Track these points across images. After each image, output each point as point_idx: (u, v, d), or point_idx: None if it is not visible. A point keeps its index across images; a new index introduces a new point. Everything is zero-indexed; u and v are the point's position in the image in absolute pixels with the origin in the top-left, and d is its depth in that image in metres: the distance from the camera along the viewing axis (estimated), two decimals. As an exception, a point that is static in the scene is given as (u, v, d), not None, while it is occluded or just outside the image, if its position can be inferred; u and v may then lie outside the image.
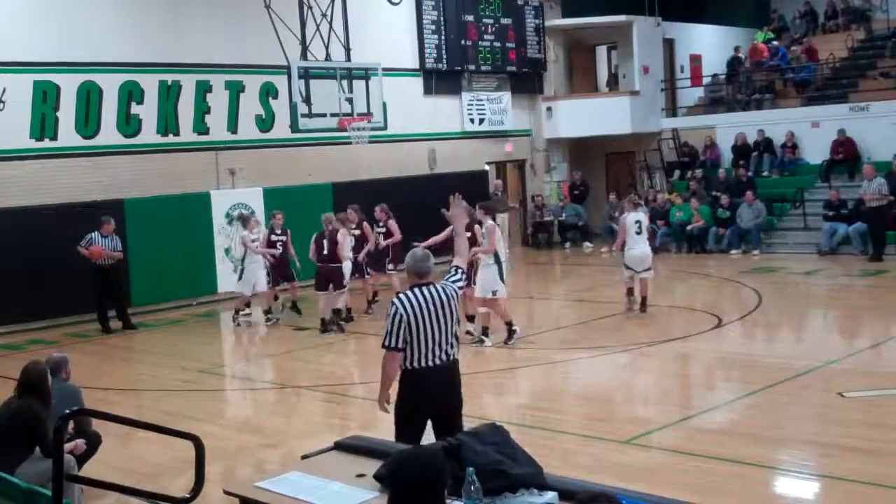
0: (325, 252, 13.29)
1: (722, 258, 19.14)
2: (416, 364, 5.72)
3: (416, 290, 5.76)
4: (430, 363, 5.73)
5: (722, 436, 7.97)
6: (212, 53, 16.97)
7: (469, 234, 11.40)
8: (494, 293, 11.68)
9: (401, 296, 5.80)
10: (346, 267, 13.55)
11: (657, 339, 11.88)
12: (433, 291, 5.77)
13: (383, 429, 6.33)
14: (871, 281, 15.89)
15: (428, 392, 5.76)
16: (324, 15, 15.46)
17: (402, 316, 5.65)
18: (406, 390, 5.79)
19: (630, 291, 13.54)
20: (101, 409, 4.85)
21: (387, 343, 5.71)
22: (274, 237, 14.43)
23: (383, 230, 14.62)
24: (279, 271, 14.52)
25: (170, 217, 15.50)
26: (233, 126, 17.57)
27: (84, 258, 14.04)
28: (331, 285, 13.23)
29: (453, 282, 5.97)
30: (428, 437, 5.82)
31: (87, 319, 15.00)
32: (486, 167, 22.18)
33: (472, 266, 11.75)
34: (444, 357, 5.77)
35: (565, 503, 4.10)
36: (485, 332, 11.94)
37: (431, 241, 11.67)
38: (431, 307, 5.71)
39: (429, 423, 5.88)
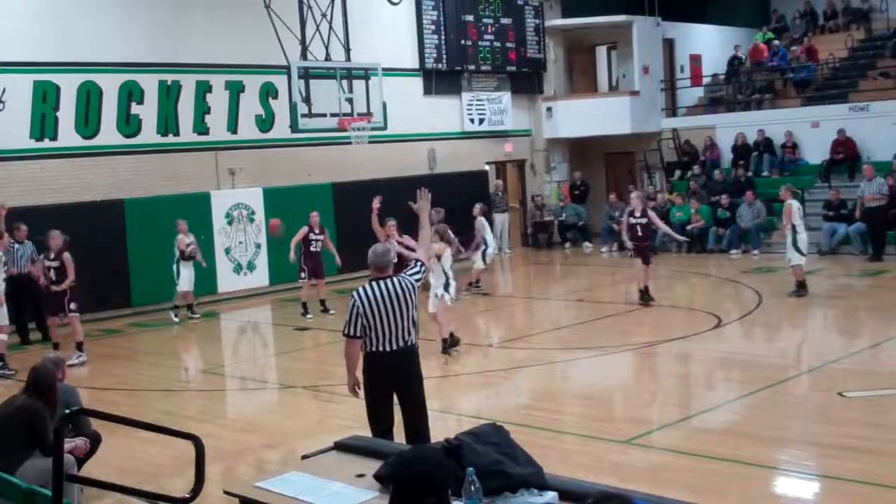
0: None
1: (722, 258, 19.13)
2: (375, 348, 6.29)
3: (375, 284, 6.30)
4: (388, 348, 6.27)
5: (722, 436, 7.97)
6: (212, 53, 16.97)
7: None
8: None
9: (360, 289, 6.34)
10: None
11: (657, 339, 11.89)
12: (391, 284, 6.29)
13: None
14: (871, 281, 15.89)
15: (386, 372, 6.32)
16: (324, 15, 15.47)
17: (358, 307, 6.23)
18: (367, 370, 6.38)
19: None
20: (101, 409, 4.84)
21: (345, 331, 6.33)
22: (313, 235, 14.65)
23: (321, 237, 14.73)
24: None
25: (170, 217, 15.48)
26: (233, 126, 17.57)
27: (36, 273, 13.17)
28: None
29: (411, 275, 6.43)
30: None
31: (88, 319, 14.99)
32: (486, 167, 22.19)
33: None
34: (401, 343, 6.30)
35: (565, 503, 4.10)
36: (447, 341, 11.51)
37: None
38: (388, 299, 6.23)
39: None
